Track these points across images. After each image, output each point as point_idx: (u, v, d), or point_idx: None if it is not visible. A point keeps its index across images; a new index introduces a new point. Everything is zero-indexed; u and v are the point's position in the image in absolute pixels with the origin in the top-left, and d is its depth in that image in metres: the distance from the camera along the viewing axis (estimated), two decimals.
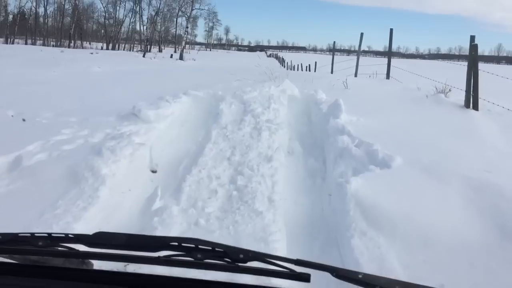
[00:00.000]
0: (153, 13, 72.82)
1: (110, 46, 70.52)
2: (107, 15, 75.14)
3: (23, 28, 64.61)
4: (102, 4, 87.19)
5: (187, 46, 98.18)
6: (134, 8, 71.40)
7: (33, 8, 67.81)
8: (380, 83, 11.01)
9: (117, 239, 1.22)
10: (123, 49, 71.37)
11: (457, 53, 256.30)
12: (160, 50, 77.02)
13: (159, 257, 1.20)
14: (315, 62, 22.52)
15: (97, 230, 1.29)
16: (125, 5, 72.34)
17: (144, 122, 6.38)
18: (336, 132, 5.91)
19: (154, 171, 5.48)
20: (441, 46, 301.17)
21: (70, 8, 68.69)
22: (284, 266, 1.17)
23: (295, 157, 6.06)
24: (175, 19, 74.65)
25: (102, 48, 68.52)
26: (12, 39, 59.83)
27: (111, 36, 72.03)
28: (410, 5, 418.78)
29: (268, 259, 1.17)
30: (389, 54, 12.95)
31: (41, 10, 70.28)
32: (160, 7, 73.41)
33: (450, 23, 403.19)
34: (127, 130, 5.91)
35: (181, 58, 44.11)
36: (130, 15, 73.75)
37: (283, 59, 53.57)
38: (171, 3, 74.23)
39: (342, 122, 6.19)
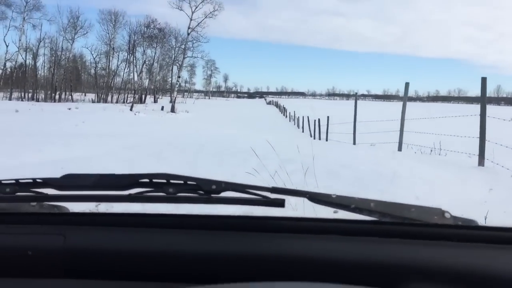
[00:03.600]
0: (147, 63, 70.32)
1: (103, 97, 67.52)
2: (99, 66, 72.41)
3: (11, 81, 61.29)
4: (92, 55, 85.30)
5: (184, 94, 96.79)
6: (128, 58, 68.61)
7: (22, 60, 64.88)
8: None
9: (86, 180, 1.19)
10: (116, 100, 68.23)
11: (456, 95, 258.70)
12: (155, 100, 74.08)
13: (130, 194, 1.18)
14: (327, 118, 18.29)
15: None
16: (118, 55, 69.68)
17: None
18: None
19: None
20: (440, 88, 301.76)
21: (64, 59, 66.07)
22: (258, 193, 1.16)
23: None
24: (171, 68, 71.60)
25: (92, 100, 65.21)
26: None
27: (103, 87, 68.74)
28: (405, 49, 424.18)
29: (242, 188, 1.16)
30: (402, 118, 9.91)
31: (30, 62, 67.43)
32: (155, 57, 71.21)
33: (447, 66, 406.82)
34: None
35: (172, 110, 40.22)
36: (123, 65, 71.01)
37: (284, 108, 49.54)
38: (167, 52, 72.19)
39: None
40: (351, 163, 6.41)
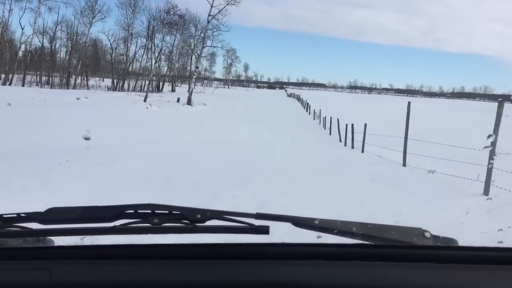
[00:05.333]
0: (166, 50, 68.16)
1: (121, 83, 65.72)
2: (117, 52, 70.56)
3: (24, 65, 59.63)
4: (109, 40, 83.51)
5: (204, 82, 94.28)
6: (147, 44, 66.46)
7: (39, 43, 63.29)
8: None
9: (70, 213, 1.19)
10: (133, 88, 66.35)
11: (482, 92, 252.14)
12: (173, 89, 72.06)
13: (115, 226, 1.18)
14: (365, 125, 15.56)
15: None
16: (136, 41, 67.59)
17: None
18: None
19: None
20: (465, 85, 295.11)
21: (81, 43, 64.43)
22: (243, 221, 1.17)
23: None
24: (190, 56, 69.18)
25: (107, 87, 63.38)
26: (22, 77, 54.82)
27: (120, 73, 66.84)
28: (431, 43, 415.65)
29: (227, 216, 1.17)
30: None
31: (47, 46, 65.74)
32: (175, 44, 69.00)
33: (473, 62, 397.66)
34: None
35: (189, 102, 37.76)
36: (142, 51, 68.99)
37: (307, 104, 46.65)
38: (186, 39, 69.87)
39: None
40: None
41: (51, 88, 55.13)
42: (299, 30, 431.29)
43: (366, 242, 1.14)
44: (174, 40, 68.60)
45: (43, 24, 66.77)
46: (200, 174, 7.90)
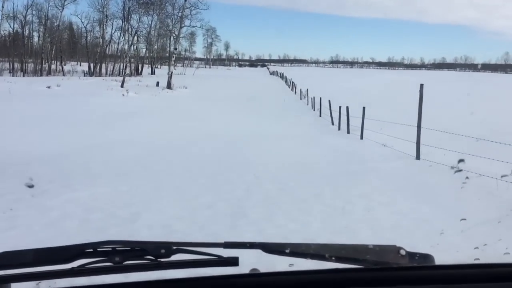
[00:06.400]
0: (143, 32, 65.63)
1: (98, 67, 63.02)
2: (92, 35, 67.86)
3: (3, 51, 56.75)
4: (83, 23, 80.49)
5: (184, 63, 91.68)
6: (123, 26, 63.73)
7: (10, 28, 60.44)
8: None
9: (24, 256, 1.12)
10: (111, 72, 63.77)
11: (462, 62, 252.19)
12: (152, 72, 69.59)
13: (73, 268, 1.11)
14: (363, 108, 14.03)
15: None
16: (112, 23, 64.85)
17: None
18: None
19: None
20: (446, 55, 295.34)
21: (54, 27, 61.63)
22: (210, 253, 1.13)
23: None
24: (169, 37, 66.58)
25: (84, 72, 60.85)
26: None
27: (96, 57, 64.18)
28: (410, 14, 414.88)
29: (192, 249, 1.13)
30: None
31: (18, 31, 62.74)
32: (153, 25, 66.34)
33: (452, 32, 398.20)
34: None
35: (168, 86, 35.87)
36: (118, 34, 66.39)
37: (293, 82, 44.93)
38: (165, 19, 67.21)
39: None
40: None
41: (23, 75, 52.58)
42: (279, 7, 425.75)
43: (341, 266, 1.10)
44: (151, 21, 66.02)
45: (13, 9, 63.97)
46: (172, 206, 5.86)
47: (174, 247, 1.10)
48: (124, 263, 1.09)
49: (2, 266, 1.09)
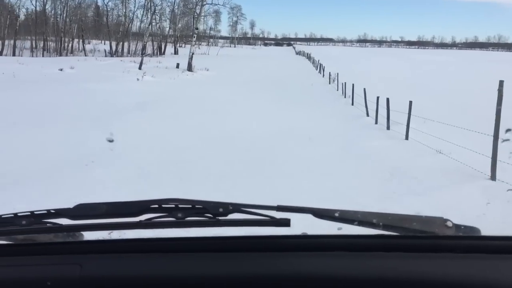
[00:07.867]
0: (166, 9, 63.76)
1: (120, 46, 61.56)
2: (115, 13, 66.45)
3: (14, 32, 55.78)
4: (103, 1, 78.94)
5: (209, 41, 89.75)
6: (145, 3, 62.03)
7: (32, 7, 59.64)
8: None
9: (97, 209, 1.20)
10: (133, 51, 62.19)
11: (495, 41, 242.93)
12: (175, 52, 67.85)
13: (140, 221, 1.18)
14: (410, 103, 11.73)
15: None
16: (135, 1, 63.26)
17: None
18: None
19: None
20: (479, 35, 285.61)
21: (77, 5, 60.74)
22: (264, 214, 1.17)
23: None
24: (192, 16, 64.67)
25: (105, 52, 59.45)
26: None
27: (119, 36, 62.69)
28: None
29: (248, 209, 1.17)
30: None
31: (40, 9, 61.83)
32: (176, 2, 64.44)
33: (486, 11, 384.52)
34: None
35: (189, 68, 33.93)
36: (141, 12, 64.76)
37: (320, 64, 42.42)
38: None
39: None
40: None
41: (43, 55, 51.52)
42: None
43: (387, 233, 1.11)
44: None
45: None
46: None
47: (231, 207, 1.15)
48: (185, 219, 1.14)
49: (77, 216, 1.18)
